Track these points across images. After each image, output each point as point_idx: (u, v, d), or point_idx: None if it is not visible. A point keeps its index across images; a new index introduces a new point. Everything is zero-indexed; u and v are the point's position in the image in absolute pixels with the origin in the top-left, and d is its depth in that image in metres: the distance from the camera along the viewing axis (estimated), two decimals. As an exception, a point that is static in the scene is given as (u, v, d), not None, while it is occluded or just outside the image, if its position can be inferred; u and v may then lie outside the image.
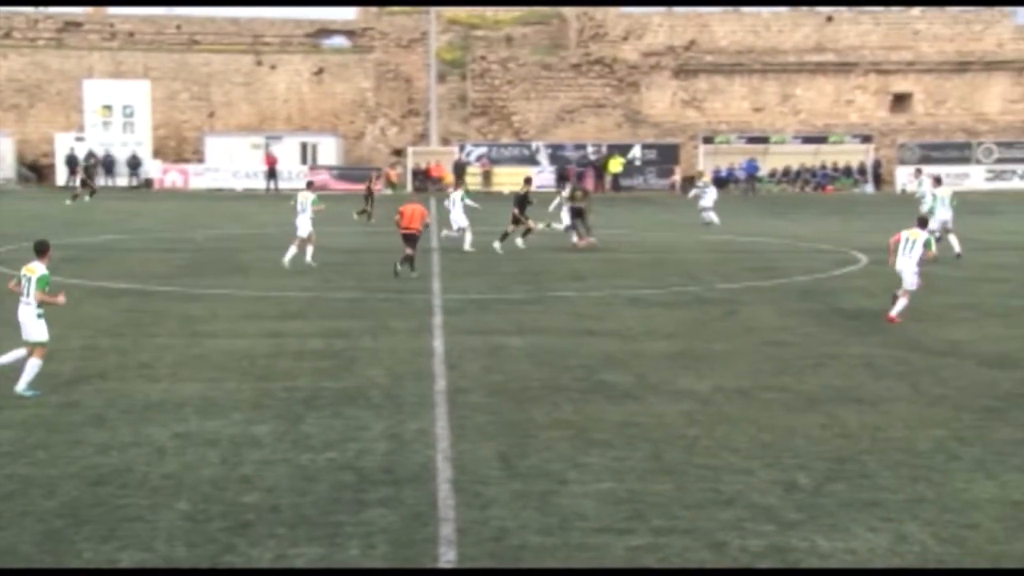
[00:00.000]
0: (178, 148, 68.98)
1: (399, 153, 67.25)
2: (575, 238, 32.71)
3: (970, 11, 71.21)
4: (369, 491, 10.42)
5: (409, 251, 26.11)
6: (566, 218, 33.80)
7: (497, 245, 31.25)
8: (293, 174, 64.74)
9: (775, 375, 15.51)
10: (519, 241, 31.87)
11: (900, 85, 70.13)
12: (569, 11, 71.64)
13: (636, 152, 64.81)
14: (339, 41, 73.78)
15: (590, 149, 64.65)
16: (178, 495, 10.32)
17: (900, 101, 70.26)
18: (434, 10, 67.68)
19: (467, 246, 31.44)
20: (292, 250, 27.35)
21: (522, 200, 32.06)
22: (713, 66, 69.68)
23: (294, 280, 25.47)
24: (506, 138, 67.29)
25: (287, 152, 65.08)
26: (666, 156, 64.83)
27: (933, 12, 71.32)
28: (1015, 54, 70.25)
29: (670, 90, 69.47)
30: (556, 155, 64.08)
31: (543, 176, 59.38)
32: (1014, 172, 65.06)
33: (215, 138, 66.17)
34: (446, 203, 33.59)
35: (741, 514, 9.81)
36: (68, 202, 49.75)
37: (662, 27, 70.76)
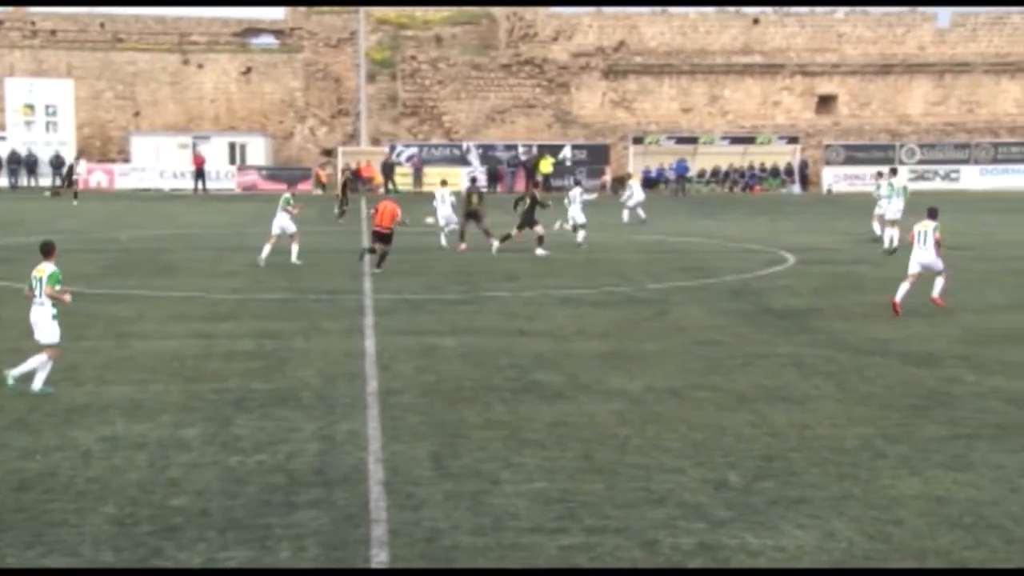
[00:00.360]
0: (103, 148, 68.02)
1: (329, 153, 66.94)
2: (462, 245, 32.05)
3: (892, 13, 72.48)
4: (300, 493, 10.33)
5: (376, 246, 27.01)
6: (579, 215, 33.56)
7: (541, 252, 30.24)
8: (222, 174, 64.18)
9: (705, 374, 15.63)
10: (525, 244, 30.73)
11: (825, 87, 71.20)
12: (499, 11, 71.78)
13: (567, 152, 65.07)
14: (267, 40, 73.26)
15: (521, 149, 64.79)
16: (104, 499, 10.16)
17: (825, 103, 71.32)
18: (363, 10, 67.42)
19: (443, 240, 32.74)
20: (295, 248, 28.02)
21: (533, 202, 31.21)
22: (642, 67, 70.20)
23: (224, 281, 25.24)
24: (437, 138, 67.23)
25: (215, 152, 64.49)
26: (596, 156, 65.19)
27: (856, 15, 72.51)
28: (936, 57, 71.61)
29: (600, 91, 69.85)
30: (487, 155, 64.17)
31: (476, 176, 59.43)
32: (936, 172, 66.31)
33: (141, 138, 65.36)
34: (434, 203, 33.96)
35: (672, 512, 9.87)
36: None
37: (591, 28, 71.14)
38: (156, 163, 64.03)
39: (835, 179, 66.41)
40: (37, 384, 14.11)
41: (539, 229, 30.81)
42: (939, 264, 21.25)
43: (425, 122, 68.28)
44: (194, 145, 64.35)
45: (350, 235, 36.27)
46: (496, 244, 31.03)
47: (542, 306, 21.94)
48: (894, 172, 35.67)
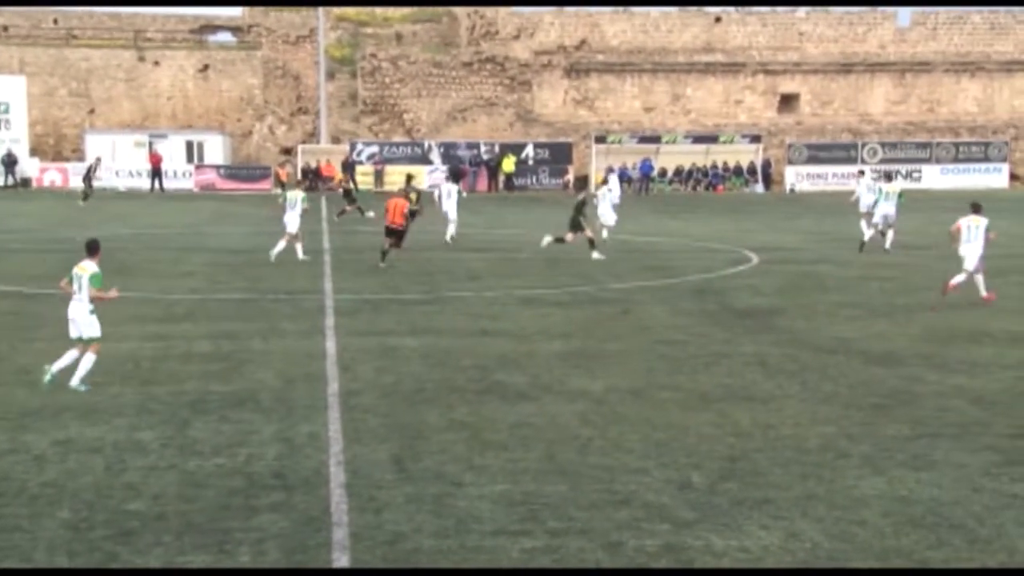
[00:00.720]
0: (57, 146, 67.28)
1: (288, 152, 66.50)
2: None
3: (853, 12, 72.94)
4: (260, 496, 10.19)
5: (388, 243, 27.61)
6: (608, 216, 33.24)
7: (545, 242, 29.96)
8: (179, 173, 63.62)
9: (668, 374, 15.59)
10: (569, 236, 30.10)
11: (787, 86, 71.53)
12: (460, 9, 71.61)
13: (529, 151, 64.99)
14: (225, 37, 72.75)
15: (483, 148, 64.66)
16: (59, 503, 9.98)
17: (787, 101, 71.65)
18: (322, 7, 67.04)
19: (447, 237, 33.20)
20: (281, 244, 28.12)
21: (580, 206, 30.39)
22: (604, 65, 70.26)
23: (181, 281, 24.98)
24: (398, 137, 66.98)
25: (172, 150, 63.87)
26: (559, 155, 65.12)
27: (818, 14, 72.92)
28: (896, 56, 72.13)
29: (562, 89, 69.85)
30: (449, 154, 63.97)
31: (436, 175, 59.17)
32: (898, 172, 66.68)
33: (96, 136, 64.56)
34: (436, 195, 34.91)
35: (636, 514, 9.80)
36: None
37: (553, 26, 71.12)
38: (112, 162, 63.35)
39: (798, 178, 66.70)
40: (75, 381, 14.22)
41: (563, 232, 30.26)
42: (976, 263, 21.70)
43: (386, 120, 68.01)
44: (150, 143, 63.73)
45: (312, 236, 35.99)
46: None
47: (505, 306, 21.86)
48: (889, 177, 35.95)
